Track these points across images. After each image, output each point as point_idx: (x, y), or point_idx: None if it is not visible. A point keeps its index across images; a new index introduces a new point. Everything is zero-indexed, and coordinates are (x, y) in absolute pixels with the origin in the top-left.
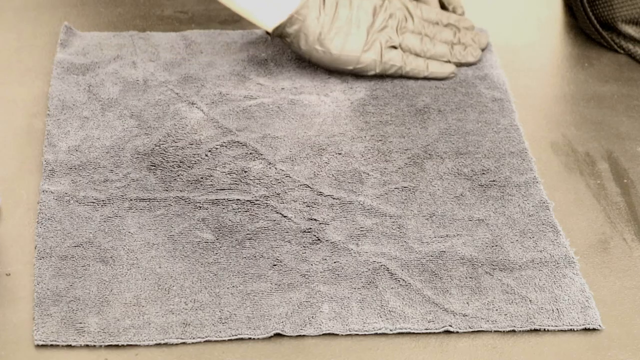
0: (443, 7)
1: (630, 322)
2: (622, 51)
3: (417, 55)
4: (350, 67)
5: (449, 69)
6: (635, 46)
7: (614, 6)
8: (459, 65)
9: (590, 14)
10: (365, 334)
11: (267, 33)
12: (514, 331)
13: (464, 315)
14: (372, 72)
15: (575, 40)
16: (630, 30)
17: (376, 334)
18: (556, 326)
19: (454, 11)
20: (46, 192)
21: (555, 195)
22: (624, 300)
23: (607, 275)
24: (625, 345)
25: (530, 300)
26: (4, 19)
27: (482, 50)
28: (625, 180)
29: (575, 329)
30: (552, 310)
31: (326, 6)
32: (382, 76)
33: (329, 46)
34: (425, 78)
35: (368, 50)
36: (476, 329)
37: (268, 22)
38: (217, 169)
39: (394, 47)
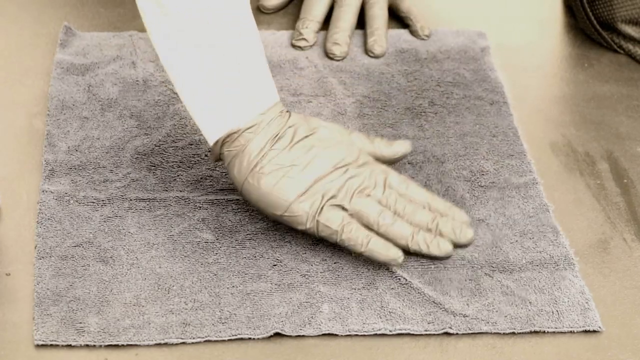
0: (405, 24)
1: (630, 323)
2: (622, 51)
3: (366, 226)
4: (279, 213)
5: (393, 254)
6: (635, 46)
7: (614, 6)
8: (416, 254)
9: (590, 14)
10: (365, 335)
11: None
12: (513, 332)
13: (463, 317)
14: (301, 227)
15: (575, 40)
16: (630, 30)
17: (376, 334)
18: (556, 328)
19: (419, 31)
20: (46, 192)
21: (555, 195)
22: (624, 300)
23: (607, 275)
24: (625, 345)
25: (530, 302)
26: (4, 19)
27: (462, 247)
28: (625, 180)
29: (575, 331)
30: (552, 312)
31: (280, 141)
32: (381, 78)
33: (260, 181)
34: (360, 254)
35: (304, 200)
36: (476, 331)
37: (211, 133)
38: (217, 169)
39: (341, 209)
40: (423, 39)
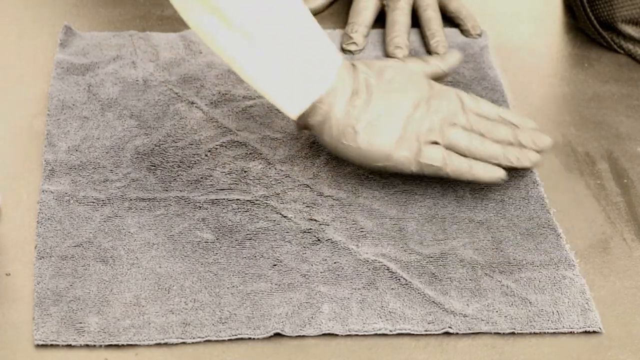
0: (454, 22)
1: (630, 323)
2: (622, 51)
3: (462, 154)
4: (380, 164)
5: (497, 173)
6: (635, 46)
7: (614, 6)
8: (511, 169)
9: (590, 14)
10: (365, 335)
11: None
12: (513, 332)
13: (463, 317)
14: (407, 171)
15: (575, 40)
16: (630, 30)
17: (376, 334)
18: (556, 329)
19: (470, 30)
20: (46, 192)
21: (555, 195)
22: (624, 300)
23: (607, 275)
24: (625, 345)
25: (530, 302)
26: (4, 19)
27: (541, 152)
28: (625, 180)
29: (575, 332)
30: (552, 312)
31: (357, 95)
32: None
33: (356, 140)
34: (469, 181)
35: (401, 146)
36: (476, 331)
37: (291, 109)
38: (217, 169)
39: (436, 144)
40: (475, 38)
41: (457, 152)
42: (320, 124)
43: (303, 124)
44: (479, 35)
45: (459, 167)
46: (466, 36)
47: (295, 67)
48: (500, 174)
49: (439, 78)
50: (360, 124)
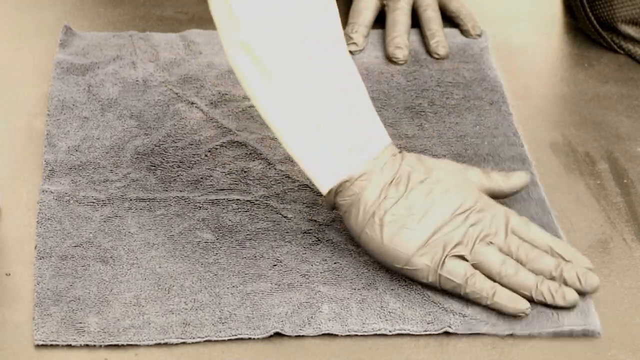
0: (454, 23)
1: (630, 323)
2: (622, 51)
3: (490, 277)
4: (399, 266)
5: (520, 306)
6: (635, 46)
7: (614, 6)
8: (544, 305)
9: (590, 14)
10: (364, 335)
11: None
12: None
13: (463, 317)
14: (424, 280)
15: (575, 40)
16: (630, 30)
17: (375, 334)
18: (555, 329)
19: (470, 30)
20: (46, 192)
21: (555, 195)
22: (624, 300)
23: (607, 275)
24: (625, 345)
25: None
26: (4, 19)
27: (585, 294)
28: (625, 180)
29: (574, 333)
30: (552, 313)
31: (395, 186)
32: (380, 77)
33: (380, 233)
34: (487, 306)
35: (424, 253)
36: (475, 332)
37: (321, 184)
38: (217, 169)
39: (462, 259)
40: (475, 39)
41: (485, 273)
42: (349, 206)
43: (332, 203)
44: (479, 35)
45: (480, 289)
46: (466, 36)
47: (332, 139)
48: (524, 307)
49: (496, 197)
50: (388, 217)
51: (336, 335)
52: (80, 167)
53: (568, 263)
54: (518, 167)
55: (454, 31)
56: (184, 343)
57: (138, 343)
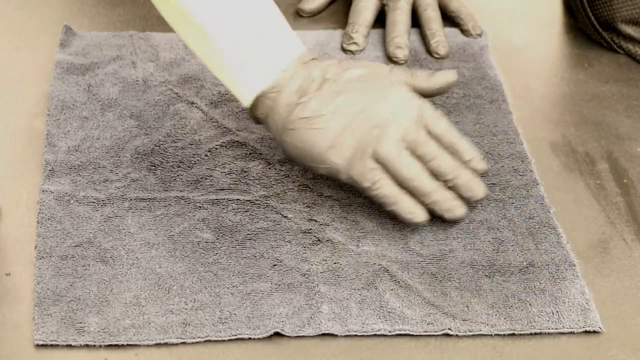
0: (454, 22)
1: (630, 323)
2: (622, 51)
3: (395, 177)
4: (315, 166)
5: (417, 217)
6: (635, 46)
7: (614, 6)
8: (432, 213)
9: (590, 14)
10: (364, 335)
11: None
12: (513, 333)
13: (463, 320)
14: (340, 178)
15: (575, 40)
16: (630, 30)
17: (375, 334)
18: (556, 329)
19: (470, 30)
20: (46, 192)
21: (555, 195)
22: (624, 300)
23: (607, 275)
24: (625, 345)
25: (530, 303)
26: (4, 20)
27: (473, 201)
28: (625, 180)
29: (575, 332)
30: (552, 312)
31: (304, 91)
32: None
33: (292, 137)
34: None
35: (335, 152)
36: (476, 333)
37: (242, 101)
38: (217, 169)
39: (372, 159)
40: (475, 38)
41: (391, 173)
42: (265, 118)
43: (254, 117)
44: (479, 35)
45: (384, 196)
46: (466, 36)
47: (245, 57)
48: (419, 219)
49: (426, 95)
50: (298, 121)
51: (336, 335)
52: (80, 167)
53: (462, 169)
54: (517, 165)
55: (454, 31)
56: (184, 343)
57: (138, 343)
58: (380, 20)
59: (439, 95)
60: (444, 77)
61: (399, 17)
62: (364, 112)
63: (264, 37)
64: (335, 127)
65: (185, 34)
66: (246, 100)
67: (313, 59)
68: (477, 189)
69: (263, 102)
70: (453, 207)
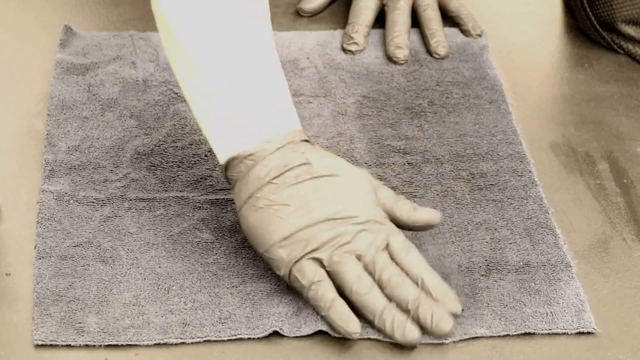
0: (455, 22)
1: (630, 323)
2: (622, 51)
3: (341, 289)
4: (259, 250)
5: (351, 327)
6: (635, 46)
7: (614, 6)
8: (382, 333)
9: (590, 14)
10: (361, 338)
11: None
12: (508, 335)
13: (459, 324)
14: (277, 272)
15: (575, 40)
16: (630, 30)
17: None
18: (549, 330)
19: (470, 30)
20: (46, 192)
21: (554, 195)
22: (624, 300)
23: (607, 275)
24: (625, 345)
25: (524, 304)
26: (3, 20)
27: (436, 336)
28: (625, 180)
29: (569, 333)
30: (546, 313)
31: (283, 175)
32: (380, 77)
33: (250, 214)
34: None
35: (284, 246)
36: (471, 336)
37: (218, 155)
38: (217, 169)
39: (319, 263)
40: (475, 38)
41: (338, 285)
42: (235, 181)
43: (225, 176)
44: (479, 35)
45: (319, 298)
46: (466, 36)
47: (230, 114)
48: (352, 330)
49: (398, 225)
50: (263, 201)
51: (336, 336)
52: (80, 167)
53: (428, 300)
54: (516, 166)
55: (454, 31)
56: (183, 343)
57: (138, 343)
58: (380, 20)
59: (416, 231)
60: (427, 215)
61: (399, 17)
62: (329, 220)
63: (261, 99)
64: (296, 223)
65: (181, 71)
66: (222, 157)
67: (303, 140)
68: (444, 323)
69: (238, 166)
70: (405, 329)
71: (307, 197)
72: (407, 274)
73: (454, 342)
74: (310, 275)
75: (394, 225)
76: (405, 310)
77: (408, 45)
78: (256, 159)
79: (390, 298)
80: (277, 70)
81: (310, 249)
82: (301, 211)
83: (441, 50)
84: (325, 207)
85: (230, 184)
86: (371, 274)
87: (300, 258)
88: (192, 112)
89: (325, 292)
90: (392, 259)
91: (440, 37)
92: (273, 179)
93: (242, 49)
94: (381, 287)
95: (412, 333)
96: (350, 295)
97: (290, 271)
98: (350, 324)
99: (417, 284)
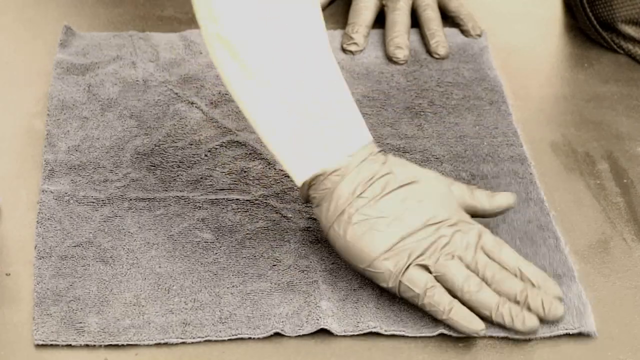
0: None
1: (631, 323)
2: (622, 51)
3: (452, 292)
4: (361, 266)
5: (475, 326)
6: (635, 46)
7: (614, 6)
8: (502, 327)
9: (590, 14)
10: (360, 335)
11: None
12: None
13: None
14: (383, 285)
15: (575, 40)
16: (630, 30)
17: (372, 333)
18: (551, 332)
19: (470, 31)
20: (46, 192)
21: (555, 195)
22: (624, 300)
23: (607, 275)
24: (625, 345)
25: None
26: (3, 20)
27: (550, 322)
28: (625, 180)
29: (570, 333)
30: None
31: (371, 188)
32: (380, 77)
33: (346, 231)
34: (442, 321)
35: (388, 258)
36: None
37: (297, 175)
38: (217, 169)
39: (426, 269)
40: (475, 39)
41: (447, 287)
42: (320, 200)
43: (306, 196)
44: (479, 35)
45: (437, 303)
46: (466, 36)
47: (309, 134)
48: (478, 328)
49: (478, 215)
50: (358, 216)
51: (336, 336)
52: (80, 167)
53: (535, 289)
54: (517, 168)
55: (454, 31)
56: (183, 343)
57: (138, 343)
58: (380, 20)
59: (495, 217)
60: (505, 199)
61: (399, 18)
62: (427, 227)
63: (335, 116)
64: (395, 233)
65: (236, 84)
66: (303, 176)
67: (380, 151)
68: (555, 309)
69: (323, 183)
70: (524, 318)
71: (399, 207)
72: (505, 268)
73: (454, 342)
74: (421, 282)
75: (480, 225)
76: (516, 302)
77: (408, 46)
78: (342, 174)
79: (498, 293)
80: (343, 82)
81: (415, 256)
82: (397, 221)
83: (441, 50)
84: (419, 215)
85: (308, 202)
86: (474, 272)
87: (407, 267)
88: (264, 140)
89: (441, 297)
90: (488, 255)
91: (440, 37)
92: (361, 193)
93: (313, 66)
94: (486, 284)
95: (531, 321)
96: (462, 295)
97: (400, 282)
98: (475, 323)
99: (516, 276)
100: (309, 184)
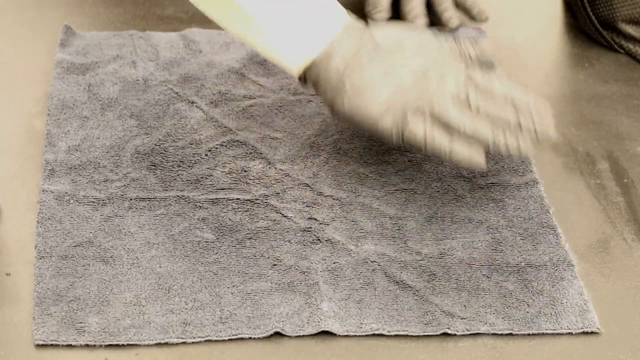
0: (464, 10)
1: (631, 323)
2: (622, 51)
3: (448, 126)
4: (368, 128)
5: (475, 160)
6: (636, 46)
7: (614, 6)
8: (499, 153)
9: (591, 13)
10: (364, 335)
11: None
12: (511, 333)
13: (461, 318)
14: (392, 141)
15: (575, 39)
16: (630, 30)
17: (375, 334)
18: (554, 330)
19: (477, 16)
20: (46, 191)
21: (555, 195)
22: (624, 300)
23: (607, 275)
24: (625, 345)
25: (528, 304)
26: (4, 20)
27: (539, 141)
28: (625, 180)
29: (573, 332)
30: (551, 313)
31: (357, 57)
32: None
33: (343, 101)
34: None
35: (387, 115)
36: (474, 332)
37: (292, 65)
38: (217, 168)
39: (422, 114)
40: (481, 23)
41: (444, 124)
42: (317, 82)
43: (304, 82)
44: (486, 20)
45: (439, 147)
46: (474, 21)
47: (294, 23)
48: (479, 161)
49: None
50: (349, 85)
51: (336, 335)
52: (81, 167)
53: (527, 113)
54: (517, 165)
55: (454, 30)
56: (184, 343)
57: (138, 343)
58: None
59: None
60: (485, 43)
61: None
62: (415, 72)
63: (316, 4)
64: (387, 92)
65: (223, 13)
66: (297, 65)
67: (365, 25)
68: (546, 127)
69: (316, 65)
70: (520, 143)
71: (385, 66)
72: (497, 99)
73: (455, 342)
74: (421, 131)
75: (468, 61)
76: (509, 128)
77: (425, 14)
78: (333, 52)
79: (492, 124)
80: None
81: (410, 105)
82: (388, 78)
83: (454, 22)
84: (407, 67)
85: (308, 87)
86: (467, 108)
87: (406, 119)
88: (256, 41)
89: (442, 141)
90: (480, 90)
91: (453, 12)
92: (352, 62)
93: None
94: (483, 117)
95: (527, 147)
96: (458, 130)
97: (402, 135)
98: (475, 158)
99: (508, 104)
100: (305, 70)
